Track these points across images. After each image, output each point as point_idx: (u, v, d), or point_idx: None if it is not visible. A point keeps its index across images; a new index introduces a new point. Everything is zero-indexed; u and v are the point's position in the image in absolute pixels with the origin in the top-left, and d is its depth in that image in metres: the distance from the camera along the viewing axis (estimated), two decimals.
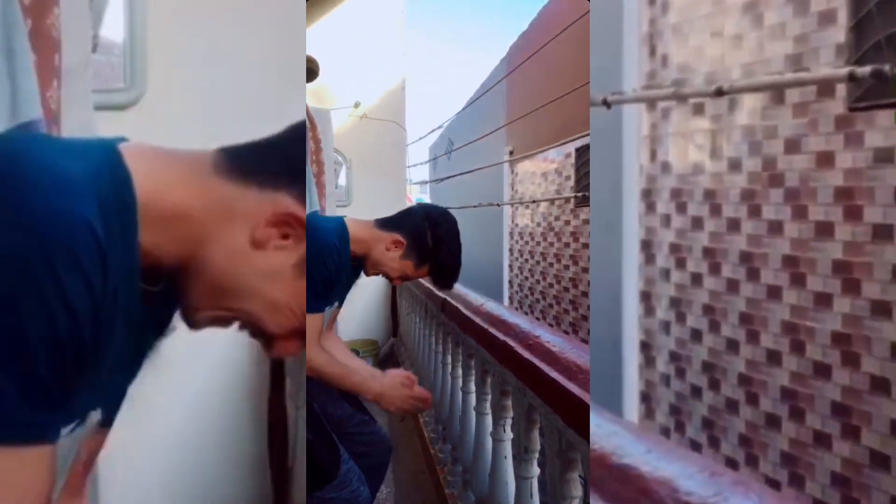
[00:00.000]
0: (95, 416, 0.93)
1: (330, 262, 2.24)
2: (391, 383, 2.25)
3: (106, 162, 0.85)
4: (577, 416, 1.40)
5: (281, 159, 0.95)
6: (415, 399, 2.25)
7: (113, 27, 2.96)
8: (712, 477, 0.81)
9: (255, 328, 0.94)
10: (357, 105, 7.54)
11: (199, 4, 3.28)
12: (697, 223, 4.83)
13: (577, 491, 1.63)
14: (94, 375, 0.84)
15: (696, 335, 4.87)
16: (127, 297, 0.86)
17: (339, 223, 2.39)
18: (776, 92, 4.19)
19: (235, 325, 0.96)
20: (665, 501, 0.79)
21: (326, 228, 2.32)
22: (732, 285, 4.58)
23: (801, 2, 4.05)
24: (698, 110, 4.81)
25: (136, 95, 3.09)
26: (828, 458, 3.92)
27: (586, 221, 8.74)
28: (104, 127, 2.35)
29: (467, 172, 12.58)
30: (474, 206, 12.34)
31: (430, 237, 2.38)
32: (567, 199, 9.36)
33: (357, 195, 7.35)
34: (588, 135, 8.33)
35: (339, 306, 2.57)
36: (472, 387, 2.82)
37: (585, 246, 8.75)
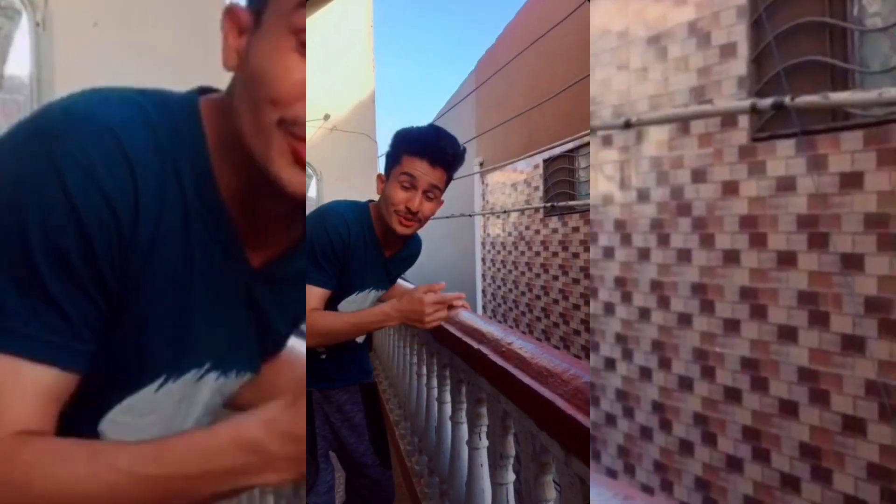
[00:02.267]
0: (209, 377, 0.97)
1: (335, 235, 2.15)
2: (409, 305, 2.13)
3: (173, 99, 0.86)
4: (549, 420, 1.41)
5: None
6: (438, 304, 2.14)
7: (18, 64, 2.87)
8: (625, 501, 0.80)
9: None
10: (326, 117, 7.45)
11: (107, 39, 3.19)
12: (609, 253, 4.89)
13: (552, 493, 1.63)
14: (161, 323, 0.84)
15: (610, 363, 4.91)
16: (216, 251, 0.88)
17: (362, 205, 2.33)
18: (682, 123, 4.29)
19: None
20: None
21: (344, 207, 2.27)
22: (644, 314, 4.64)
23: (704, 35, 4.17)
24: (607, 142, 4.89)
25: None
26: (739, 482, 3.98)
27: (555, 230, 8.97)
28: None
29: None
30: (446, 217, 12.48)
31: (391, 147, 2.25)
32: (536, 209, 9.56)
33: None
34: (554, 146, 8.49)
35: (379, 291, 2.46)
36: (448, 396, 2.80)
37: (555, 254, 8.93)
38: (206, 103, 0.89)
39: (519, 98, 9.60)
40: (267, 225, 0.96)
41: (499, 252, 11.61)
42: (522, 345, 1.76)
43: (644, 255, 4.63)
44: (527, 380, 1.54)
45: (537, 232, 9.68)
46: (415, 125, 2.37)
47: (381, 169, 2.39)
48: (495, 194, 11.83)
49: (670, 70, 4.41)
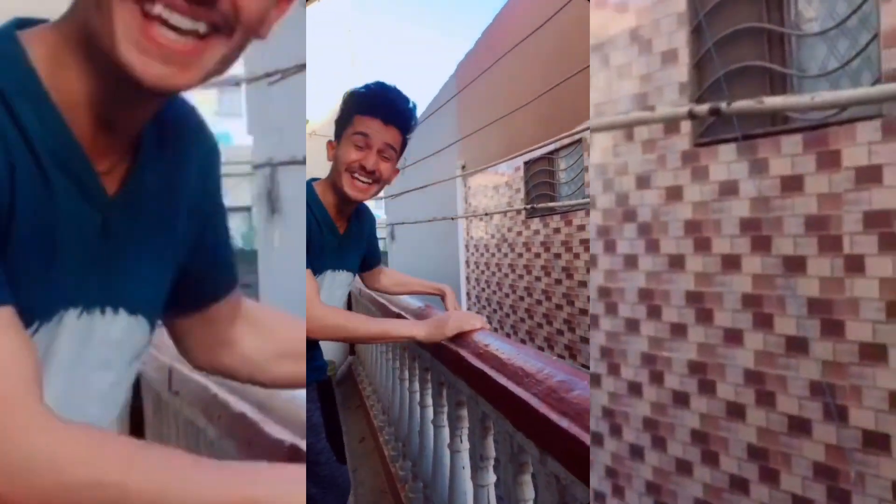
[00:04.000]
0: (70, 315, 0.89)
1: (308, 218, 2.15)
2: (432, 327, 2.14)
3: None
4: (524, 419, 1.45)
5: None
6: (460, 325, 2.11)
7: None
8: None
9: None
10: (306, 122, 7.35)
11: None
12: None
13: (530, 493, 1.65)
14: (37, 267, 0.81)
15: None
16: (71, 187, 0.82)
17: (308, 187, 2.30)
18: (626, 130, 4.32)
19: None
20: None
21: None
22: (594, 321, 4.65)
23: (645, 42, 4.21)
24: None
25: None
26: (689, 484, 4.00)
27: (537, 232, 9.06)
28: None
29: (422, 188, 12.63)
30: (429, 221, 12.54)
31: (340, 110, 2.28)
32: (518, 211, 9.64)
33: None
34: (534, 149, 8.53)
35: (338, 273, 2.40)
36: (430, 400, 2.86)
37: (537, 255, 8.98)
38: (29, 33, 0.82)
39: (500, 101, 9.70)
40: (125, 136, 0.90)
41: (482, 254, 11.73)
42: (500, 346, 1.81)
43: (592, 262, 4.63)
44: (503, 381, 1.58)
45: (519, 234, 9.83)
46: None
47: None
48: (478, 197, 11.99)
49: (613, 77, 4.43)
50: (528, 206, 9.02)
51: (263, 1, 0.82)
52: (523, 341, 9.33)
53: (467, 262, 12.64)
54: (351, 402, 5.84)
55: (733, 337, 3.78)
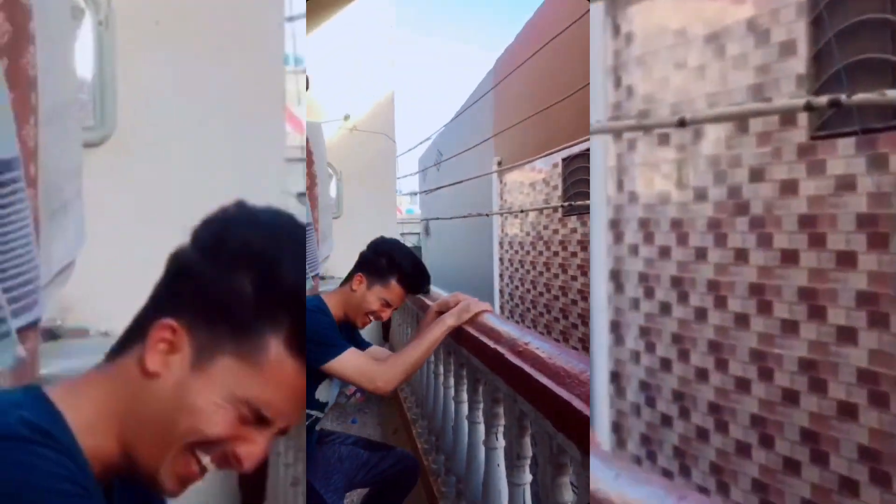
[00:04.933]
0: None
1: (322, 319, 2.43)
2: (460, 314, 2.45)
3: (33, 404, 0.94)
4: (567, 421, 1.42)
5: (146, 304, 1.03)
6: (469, 310, 2.47)
7: (81, 65, 2.96)
8: (680, 500, 0.80)
9: (206, 446, 0.97)
10: (347, 118, 7.56)
11: (168, 38, 3.28)
12: (665, 252, 4.86)
13: (569, 496, 1.64)
14: None
15: (666, 364, 4.88)
16: None
17: (316, 299, 2.57)
18: (740, 122, 4.25)
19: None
20: None
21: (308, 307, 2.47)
22: (700, 314, 4.60)
23: (763, 33, 4.12)
24: (663, 140, 4.86)
25: (106, 133, 3.09)
26: (798, 485, 3.92)
27: (574, 230, 8.86)
28: None
29: (456, 183, 12.62)
30: (464, 217, 12.46)
31: (380, 258, 2.60)
32: (555, 209, 9.42)
33: (347, 206, 7.35)
34: (572, 145, 8.41)
35: None
36: (465, 396, 2.85)
37: (574, 255, 8.81)
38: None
39: (537, 96, 9.43)
40: None
41: (517, 252, 11.45)
42: (539, 345, 1.79)
43: (701, 254, 4.58)
44: (544, 380, 1.56)
45: (556, 232, 9.54)
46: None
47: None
48: (513, 194, 11.68)
49: (728, 68, 4.36)
50: (566, 204, 8.79)
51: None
52: (557, 340, 8.88)
53: (501, 260, 12.39)
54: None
55: (848, 335, 3.69)
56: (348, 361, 2.27)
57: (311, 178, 4.95)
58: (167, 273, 1.02)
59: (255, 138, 3.45)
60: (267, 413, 0.97)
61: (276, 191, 3.61)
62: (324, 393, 2.50)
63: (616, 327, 5.29)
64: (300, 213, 5.69)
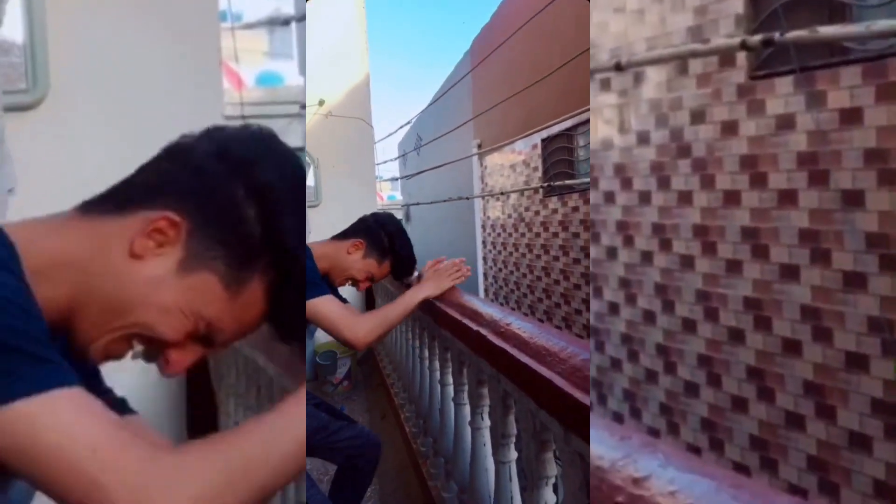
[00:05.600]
0: None
1: (310, 263, 2.33)
2: (432, 281, 2.50)
3: None
4: (548, 398, 1.44)
5: (144, 181, 0.99)
6: (451, 273, 2.53)
7: (11, 27, 2.88)
8: (622, 440, 0.82)
9: (148, 341, 0.95)
10: (321, 103, 7.37)
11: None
12: (609, 198, 4.88)
13: (553, 470, 1.66)
14: None
15: (614, 308, 4.93)
16: None
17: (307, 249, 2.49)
18: (680, 64, 4.25)
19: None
20: None
21: None
22: (646, 257, 4.64)
23: None
24: (605, 86, 4.84)
25: (40, 96, 3.01)
26: (746, 422, 4.02)
27: (555, 211, 8.87)
28: (9, 128, 2.25)
29: (437, 167, 12.57)
30: (445, 201, 12.42)
31: (384, 235, 2.59)
32: (535, 190, 9.42)
33: (326, 194, 7.22)
34: (552, 125, 8.38)
35: None
36: (450, 378, 2.86)
37: (555, 235, 8.86)
38: None
39: (516, 77, 9.42)
40: None
41: (499, 234, 11.53)
42: (521, 325, 1.79)
43: (645, 198, 4.61)
44: (525, 359, 1.57)
45: (537, 213, 9.59)
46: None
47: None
48: (494, 176, 11.69)
49: (667, 11, 4.34)
50: (546, 185, 8.84)
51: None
52: (541, 321, 9.05)
53: (484, 243, 12.48)
54: (372, 381, 5.90)
55: (790, 272, 3.75)
56: (327, 304, 2.21)
57: None
58: (174, 160, 1.00)
59: (193, 96, 3.36)
60: (217, 337, 0.97)
61: None
62: None
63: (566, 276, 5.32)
64: None
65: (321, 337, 6.17)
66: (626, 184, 4.73)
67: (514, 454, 2.05)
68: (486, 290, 12.16)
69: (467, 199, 12.15)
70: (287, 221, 0.97)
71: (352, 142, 7.60)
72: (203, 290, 0.94)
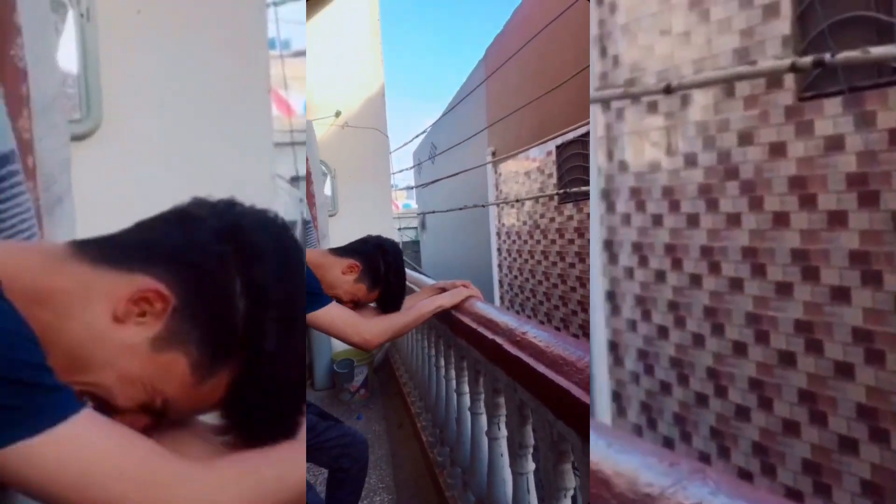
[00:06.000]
0: None
1: (311, 276, 2.36)
2: (449, 293, 2.59)
3: None
4: (566, 408, 1.42)
5: (143, 241, 0.97)
6: (461, 294, 2.59)
7: (65, 57, 2.94)
8: (671, 467, 0.80)
9: (99, 402, 0.91)
10: (338, 114, 7.50)
11: (152, 27, 3.26)
12: (658, 220, 4.87)
13: (571, 482, 1.65)
14: None
15: (663, 332, 4.90)
16: None
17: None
18: (727, 86, 4.24)
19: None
20: (626, 495, 0.78)
21: None
22: (695, 280, 4.61)
23: None
24: (652, 108, 4.85)
25: (93, 126, 3.08)
26: (798, 446, 3.96)
27: (570, 217, 8.86)
28: None
29: (451, 176, 12.61)
30: (460, 209, 12.46)
31: (382, 263, 2.54)
32: (550, 197, 9.41)
33: (343, 204, 7.33)
34: (566, 132, 8.38)
35: None
36: (466, 387, 2.86)
37: (571, 242, 8.84)
38: None
39: (530, 84, 9.43)
40: None
41: (514, 242, 11.46)
42: (537, 334, 1.77)
43: (693, 220, 4.59)
44: (542, 369, 1.56)
45: (552, 220, 9.55)
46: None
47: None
48: (508, 183, 11.64)
49: (713, 33, 4.34)
50: (561, 192, 8.78)
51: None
52: (557, 328, 9.07)
53: (499, 250, 12.40)
54: (388, 389, 5.90)
55: (841, 294, 3.71)
56: (332, 312, 2.25)
57: (306, 175, 4.96)
58: (179, 227, 0.98)
59: (243, 123, 3.43)
60: (170, 412, 0.95)
61: (267, 175, 3.60)
62: None
63: (612, 297, 5.31)
64: (294, 197, 5.69)
65: (338, 345, 6.23)
66: (674, 206, 4.71)
67: (531, 465, 2.04)
68: (501, 298, 12.11)
69: (482, 206, 12.15)
70: (273, 326, 0.95)
71: (367, 152, 7.69)
72: (170, 370, 0.92)
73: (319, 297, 2.27)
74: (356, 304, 2.56)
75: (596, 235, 5.33)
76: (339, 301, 2.53)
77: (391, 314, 2.44)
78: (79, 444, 0.75)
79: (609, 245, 5.29)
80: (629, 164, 5.08)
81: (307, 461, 2.71)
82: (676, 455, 0.83)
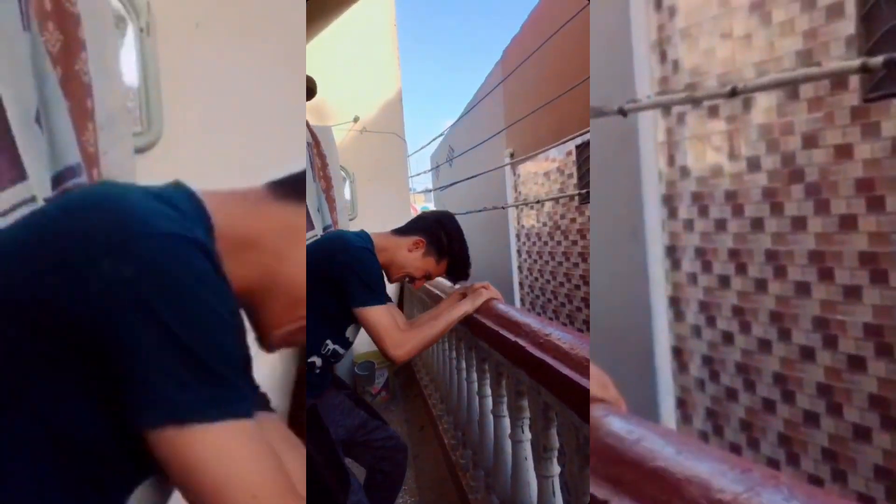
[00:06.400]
0: None
1: (376, 264, 2.42)
2: (469, 297, 2.59)
3: (189, 202, 0.91)
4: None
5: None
6: (481, 295, 2.60)
7: (126, 71, 3.03)
8: (743, 473, 0.81)
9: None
10: (356, 119, 7.58)
11: (211, 40, 3.33)
12: (721, 225, 4.82)
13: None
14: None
15: (728, 337, 4.85)
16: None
17: (366, 235, 2.57)
18: (790, 88, 4.19)
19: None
20: (698, 501, 0.80)
21: (361, 237, 2.50)
22: (760, 284, 4.56)
23: None
24: (713, 112, 4.81)
25: (154, 139, 3.16)
26: (869, 451, 3.89)
27: (591, 218, 8.70)
28: None
29: (470, 178, 12.59)
30: (479, 211, 12.40)
31: (443, 235, 2.63)
32: (571, 197, 9.35)
33: (362, 208, 7.41)
34: (588, 131, 8.33)
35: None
36: (488, 390, 2.83)
37: None
38: None
39: (548, 85, 9.35)
40: None
41: (534, 243, 11.34)
42: (561, 336, 1.77)
43: (757, 224, 4.54)
44: (566, 371, 1.56)
45: (573, 220, 9.45)
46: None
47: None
48: (528, 185, 11.53)
49: (775, 35, 4.30)
50: (582, 192, 8.66)
51: None
52: (580, 331, 8.80)
53: (518, 252, 12.27)
54: (409, 391, 5.87)
55: None
56: (382, 315, 2.28)
57: (326, 181, 5.05)
58: None
59: (299, 133, 3.49)
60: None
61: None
62: (352, 333, 2.50)
63: (675, 303, 5.27)
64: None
65: (359, 347, 6.26)
66: (738, 210, 4.67)
67: (556, 468, 2.01)
68: (522, 300, 12.02)
69: (502, 208, 12.04)
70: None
71: (385, 156, 7.74)
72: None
73: (378, 296, 2.31)
74: (428, 278, 2.66)
75: (656, 241, 5.29)
76: (412, 278, 2.63)
77: (424, 326, 2.44)
78: (229, 452, 0.76)
79: (671, 251, 5.25)
80: (691, 169, 5.04)
81: (350, 457, 2.76)
82: (748, 461, 0.84)
